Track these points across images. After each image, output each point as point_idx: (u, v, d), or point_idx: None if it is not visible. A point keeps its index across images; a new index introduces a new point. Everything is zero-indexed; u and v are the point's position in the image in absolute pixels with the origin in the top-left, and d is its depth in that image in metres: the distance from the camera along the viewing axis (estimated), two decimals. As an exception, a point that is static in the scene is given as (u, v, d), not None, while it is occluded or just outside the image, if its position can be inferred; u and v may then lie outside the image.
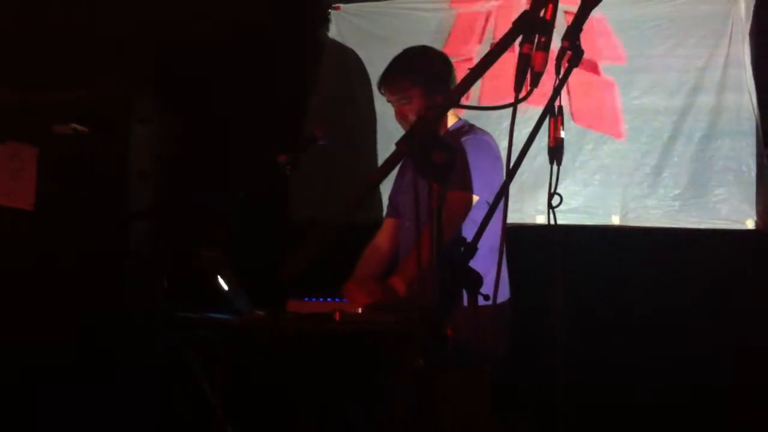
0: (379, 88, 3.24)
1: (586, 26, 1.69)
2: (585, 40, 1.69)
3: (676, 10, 4.27)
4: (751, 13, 4.11)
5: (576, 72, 1.78)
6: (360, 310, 2.75)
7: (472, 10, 4.60)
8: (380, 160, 4.73)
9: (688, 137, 4.22)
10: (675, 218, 4.21)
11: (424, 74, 3.11)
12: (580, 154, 4.36)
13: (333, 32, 4.86)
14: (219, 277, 2.99)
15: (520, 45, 1.68)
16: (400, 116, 3.16)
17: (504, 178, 2.95)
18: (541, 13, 1.66)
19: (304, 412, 3.07)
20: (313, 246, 1.78)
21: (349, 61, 4.77)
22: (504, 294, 3.05)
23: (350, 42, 4.80)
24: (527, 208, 4.34)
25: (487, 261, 2.89)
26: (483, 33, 4.56)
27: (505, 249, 2.94)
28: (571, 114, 4.33)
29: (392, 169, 1.66)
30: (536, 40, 1.67)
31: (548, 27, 1.67)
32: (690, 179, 4.20)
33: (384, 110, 4.18)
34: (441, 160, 1.66)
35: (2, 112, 4.34)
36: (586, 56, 1.75)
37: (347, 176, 4.65)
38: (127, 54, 4.58)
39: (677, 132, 4.23)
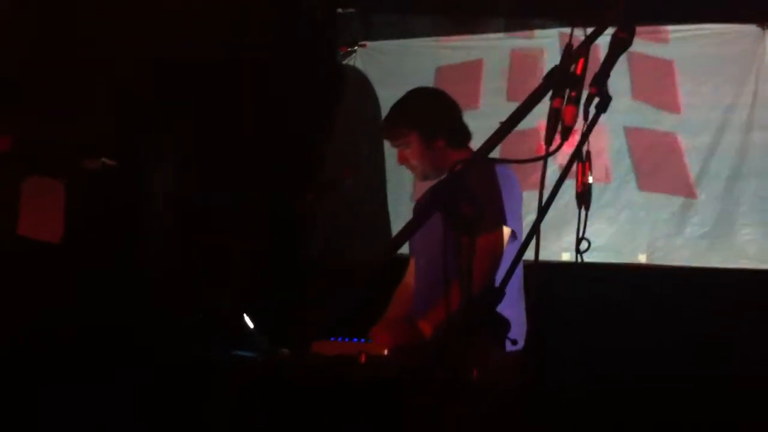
0: (383, 135, 3.18)
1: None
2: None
3: (700, 50, 4.28)
4: (777, 53, 4.12)
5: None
6: (386, 352, 2.74)
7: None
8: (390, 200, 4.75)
9: (715, 176, 4.21)
10: (703, 257, 4.19)
11: (420, 118, 3.01)
12: (606, 191, 4.35)
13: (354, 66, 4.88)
14: (244, 315, 2.99)
15: (551, 99, 1.68)
16: (402, 161, 3.08)
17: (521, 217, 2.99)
18: (572, 68, 1.66)
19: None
20: (346, 293, 1.79)
21: (368, 100, 4.78)
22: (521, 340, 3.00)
23: (372, 80, 4.81)
24: (552, 246, 4.32)
25: (513, 304, 2.90)
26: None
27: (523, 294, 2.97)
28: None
29: (423, 223, 1.66)
30: (566, 95, 1.67)
31: (579, 82, 1.67)
32: (717, 218, 4.18)
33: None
34: (470, 212, 1.66)
35: (27, 146, 4.38)
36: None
37: (365, 215, 4.65)
38: (143, 91, 4.60)
39: (704, 170, 4.22)
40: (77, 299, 4.17)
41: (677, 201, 4.25)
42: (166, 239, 4.36)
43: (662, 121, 4.35)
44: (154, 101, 4.55)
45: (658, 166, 4.35)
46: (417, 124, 3.01)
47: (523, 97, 1.72)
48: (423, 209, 1.66)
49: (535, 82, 1.73)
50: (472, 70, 4.62)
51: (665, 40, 4.30)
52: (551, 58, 4.30)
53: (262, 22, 4.57)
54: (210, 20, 4.42)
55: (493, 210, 2.85)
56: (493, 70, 4.60)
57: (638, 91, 4.28)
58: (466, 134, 3.10)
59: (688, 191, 4.27)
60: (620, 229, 4.34)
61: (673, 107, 4.33)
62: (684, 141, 4.29)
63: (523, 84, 4.31)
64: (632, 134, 4.33)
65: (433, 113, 3.06)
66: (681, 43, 4.31)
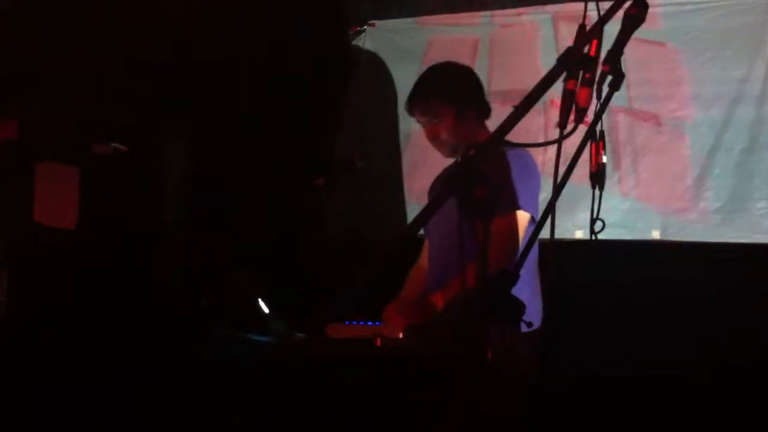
0: (408, 111, 3.15)
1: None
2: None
3: (710, 22, 4.23)
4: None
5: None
6: (401, 335, 2.74)
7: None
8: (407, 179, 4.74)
9: (728, 150, 4.17)
10: (716, 232, 4.16)
11: (453, 91, 3.04)
12: (618, 168, 4.32)
13: (368, 49, 4.86)
14: (258, 298, 2.99)
15: (564, 80, 1.67)
16: (432, 136, 3.08)
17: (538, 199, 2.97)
18: (585, 49, 1.65)
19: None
20: (368, 274, 1.79)
21: (381, 80, 4.76)
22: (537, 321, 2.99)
23: (384, 59, 4.80)
24: (565, 224, 4.30)
25: (529, 284, 2.89)
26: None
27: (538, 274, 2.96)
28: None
29: (438, 207, 1.66)
30: (581, 76, 1.66)
31: (593, 63, 1.66)
32: (731, 193, 4.15)
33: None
34: (484, 195, 1.65)
35: (41, 132, 4.38)
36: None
37: (380, 196, 4.64)
38: (158, 73, 4.60)
39: (717, 145, 4.18)
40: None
41: (690, 175, 4.23)
42: (172, 233, 4.37)
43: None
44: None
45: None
46: (451, 98, 3.02)
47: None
48: (438, 193, 1.65)
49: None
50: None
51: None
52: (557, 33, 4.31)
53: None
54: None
55: (505, 194, 2.84)
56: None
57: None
58: (489, 108, 3.11)
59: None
60: (633, 205, 4.32)
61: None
62: (696, 115, 4.25)
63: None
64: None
65: (464, 86, 3.09)
66: (688, 16, 4.26)
